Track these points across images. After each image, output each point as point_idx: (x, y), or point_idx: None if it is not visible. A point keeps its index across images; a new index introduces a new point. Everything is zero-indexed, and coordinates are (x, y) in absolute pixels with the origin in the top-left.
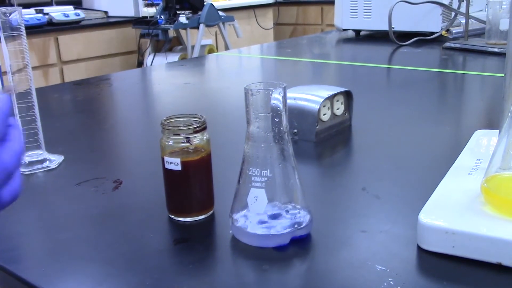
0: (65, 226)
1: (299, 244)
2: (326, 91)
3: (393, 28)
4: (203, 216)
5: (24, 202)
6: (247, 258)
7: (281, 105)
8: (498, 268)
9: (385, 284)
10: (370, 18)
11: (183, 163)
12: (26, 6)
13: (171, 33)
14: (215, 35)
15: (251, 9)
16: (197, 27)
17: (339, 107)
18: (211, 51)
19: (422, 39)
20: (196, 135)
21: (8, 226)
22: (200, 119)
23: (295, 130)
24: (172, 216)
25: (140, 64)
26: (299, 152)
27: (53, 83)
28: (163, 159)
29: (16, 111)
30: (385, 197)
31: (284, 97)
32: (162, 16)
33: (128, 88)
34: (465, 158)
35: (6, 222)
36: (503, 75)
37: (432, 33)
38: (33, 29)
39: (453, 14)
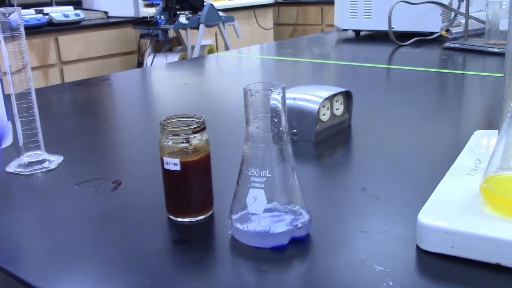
0: (65, 226)
1: (299, 244)
2: (326, 91)
3: (393, 28)
4: (202, 217)
5: (24, 202)
6: (247, 259)
7: (280, 106)
8: (498, 268)
9: (384, 284)
10: (370, 18)
11: (182, 164)
12: (26, 6)
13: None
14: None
15: (251, 9)
16: (197, 28)
17: (339, 107)
18: (211, 51)
19: (422, 39)
20: (195, 135)
21: (7, 226)
22: (199, 119)
23: (294, 131)
24: (171, 217)
25: (140, 64)
26: (298, 152)
27: (53, 83)
28: (162, 160)
29: (15, 111)
30: (385, 197)
31: (283, 98)
32: (162, 16)
33: (128, 88)
34: (464, 158)
35: (6, 223)
36: (502, 75)
37: (432, 33)
38: (33, 30)
39: (453, 14)
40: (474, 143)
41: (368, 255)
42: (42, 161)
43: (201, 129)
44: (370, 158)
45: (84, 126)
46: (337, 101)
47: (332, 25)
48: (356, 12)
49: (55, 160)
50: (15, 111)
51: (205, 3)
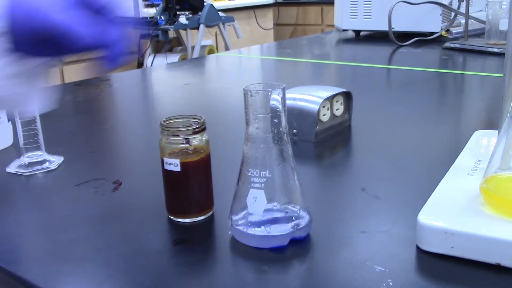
0: (65, 227)
1: (299, 244)
2: (326, 92)
3: (393, 28)
4: (202, 217)
5: (24, 203)
6: (247, 259)
7: (280, 106)
8: (497, 268)
9: (384, 284)
10: (370, 18)
11: (183, 164)
12: None
13: (171, 34)
14: (215, 36)
15: (251, 10)
16: (197, 28)
17: (339, 108)
18: (211, 51)
19: (422, 39)
20: (196, 136)
21: (8, 226)
22: (200, 120)
23: (294, 131)
24: (172, 217)
25: (140, 65)
26: (298, 153)
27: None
28: (162, 160)
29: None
30: (385, 197)
31: (283, 98)
32: (162, 16)
33: (128, 88)
34: (464, 159)
35: (6, 223)
36: (502, 75)
37: (432, 33)
38: None
39: (453, 14)
40: (474, 143)
41: (368, 256)
42: (42, 162)
43: (201, 129)
44: (370, 158)
45: (84, 126)
46: (337, 102)
47: (332, 25)
48: (356, 12)
49: (55, 161)
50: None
51: (205, 4)
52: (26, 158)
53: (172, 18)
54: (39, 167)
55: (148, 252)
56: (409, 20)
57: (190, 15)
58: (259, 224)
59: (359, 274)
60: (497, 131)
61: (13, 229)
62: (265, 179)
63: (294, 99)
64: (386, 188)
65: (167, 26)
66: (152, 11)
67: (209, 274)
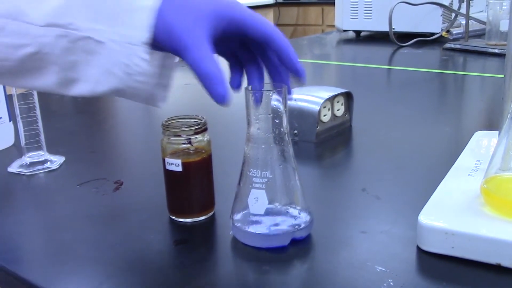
0: (66, 226)
1: (299, 244)
2: (327, 92)
3: (394, 29)
4: (203, 217)
5: (26, 202)
6: (248, 259)
7: (281, 107)
8: (498, 269)
9: (385, 285)
10: (371, 19)
11: (184, 164)
12: None
13: None
14: None
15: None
16: None
17: (340, 108)
18: None
19: (423, 40)
20: (197, 136)
21: (9, 226)
22: (201, 120)
23: (295, 131)
24: (173, 217)
25: None
26: (299, 153)
27: None
28: (164, 160)
29: (17, 112)
30: (385, 197)
31: (285, 99)
32: None
33: None
34: (465, 159)
35: (8, 223)
36: (503, 76)
37: (433, 34)
38: None
39: (453, 15)
40: (475, 144)
41: (368, 256)
42: (44, 162)
43: (202, 129)
44: (371, 158)
45: (85, 126)
46: (338, 102)
47: (333, 26)
48: (357, 13)
49: (56, 161)
50: (17, 111)
51: None
52: (27, 158)
53: None
54: (40, 167)
55: (149, 252)
56: (409, 20)
57: None
58: (260, 224)
59: (359, 274)
60: (497, 132)
61: (14, 228)
62: (266, 180)
63: (295, 100)
64: (386, 188)
65: None
66: None
67: (210, 274)
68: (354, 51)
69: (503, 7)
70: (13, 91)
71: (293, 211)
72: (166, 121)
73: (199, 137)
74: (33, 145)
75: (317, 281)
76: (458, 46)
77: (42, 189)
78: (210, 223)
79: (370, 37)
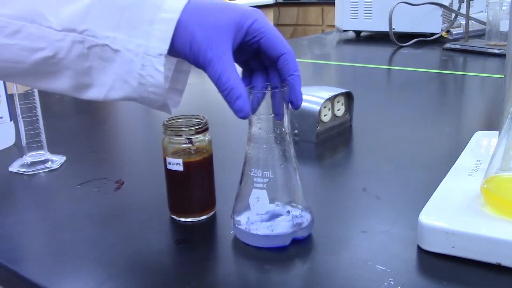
0: (67, 226)
1: (300, 244)
2: (327, 92)
3: (394, 29)
4: (204, 217)
5: (27, 202)
6: (249, 259)
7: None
8: (498, 268)
9: (385, 284)
10: (371, 19)
11: (185, 164)
12: None
13: None
14: None
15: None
16: None
17: (340, 108)
18: None
19: (422, 40)
20: (198, 136)
21: (10, 226)
22: (202, 120)
23: (296, 131)
24: (174, 217)
25: None
26: (299, 153)
27: None
28: (165, 160)
29: (18, 111)
30: (386, 197)
31: (286, 99)
32: None
33: None
34: (465, 159)
35: (9, 222)
36: (503, 76)
37: (432, 34)
38: None
39: (453, 15)
40: (475, 144)
41: (369, 255)
42: (45, 161)
43: (203, 129)
44: (371, 158)
45: (85, 126)
46: (338, 102)
47: (333, 26)
48: (357, 13)
49: (57, 160)
50: (18, 111)
51: None
52: (28, 158)
53: None
54: (41, 166)
55: (150, 252)
56: (409, 21)
57: None
58: (261, 224)
59: (360, 274)
60: (497, 132)
61: (15, 228)
62: (267, 179)
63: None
64: (387, 188)
65: None
66: None
67: (211, 274)
68: (354, 51)
69: (503, 8)
70: (14, 90)
71: (294, 211)
72: (167, 121)
73: (200, 136)
74: (34, 144)
75: (317, 280)
76: (458, 46)
77: (43, 189)
78: (211, 223)
79: (370, 37)
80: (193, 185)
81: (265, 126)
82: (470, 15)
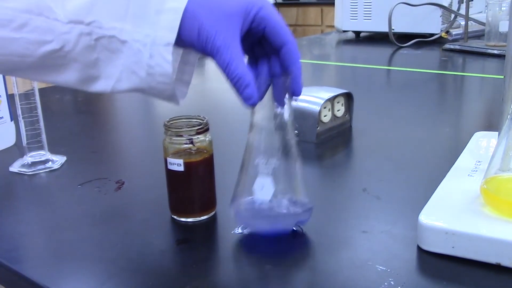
0: (68, 226)
1: (301, 244)
2: (327, 93)
3: (393, 29)
4: (205, 217)
5: (27, 202)
6: (249, 258)
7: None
8: (498, 268)
9: (385, 284)
10: (370, 19)
11: (186, 164)
12: None
13: None
14: None
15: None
16: None
17: (340, 109)
18: None
19: (422, 40)
20: (199, 136)
21: (11, 226)
22: (203, 120)
23: (296, 131)
24: (175, 217)
25: None
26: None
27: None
28: (166, 160)
29: (19, 112)
30: (386, 198)
31: (288, 87)
32: None
33: None
34: (464, 160)
35: (10, 222)
36: (502, 77)
37: (432, 34)
38: None
39: (452, 15)
40: (474, 145)
41: (369, 255)
42: (45, 161)
43: (204, 130)
44: (371, 159)
45: (86, 126)
46: (338, 102)
47: (332, 26)
48: (356, 13)
49: (58, 160)
50: (19, 111)
51: None
52: (29, 158)
53: None
54: (42, 166)
55: (151, 251)
56: (409, 21)
57: None
58: (265, 209)
59: (360, 274)
60: (497, 133)
61: (16, 228)
62: (271, 167)
63: (296, 100)
64: (387, 188)
65: None
66: None
67: (212, 274)
68: (353, 51)
69: (502, 8)
70: (15, 91)
71: (296, 196)
72: (168, 121)
73: (201, 137)
74: (35, 144)
75: (318, 280)
76: (457, 47)
77: (43, 189)
78: (212, 223)
79: (370, 38)
80: (193, 185)
81: (267, 114)
82: (469, 16)
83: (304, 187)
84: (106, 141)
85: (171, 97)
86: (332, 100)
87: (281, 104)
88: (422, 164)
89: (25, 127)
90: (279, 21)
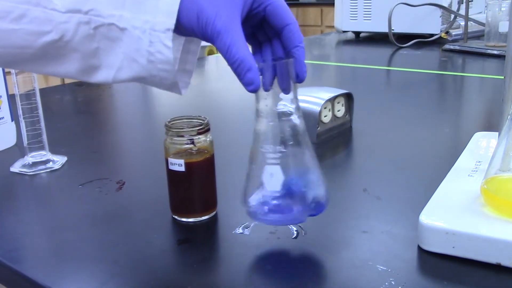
0: (69, 226)
1: (302, 244)
2: (327, 93)
3: (393, 30)
4: (206, 217)
5: (28, 202)
6: (250, 258)
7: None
8: (498, 268)
9: (386, 284)
10: (370, 20)
11: (187, 164)
12: None
13: None
14: None
15: None
16: None
17: (340, 109)
18: (211, 52)
19: (422, 41)
20: (200, 136)
21: (12, 226)
22: (204, 120)
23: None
24: (176, 217)
25: None
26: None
27: (53, 84)
28: (167, 160)
29: (20, 112)
30: (386, 198)
31: (292, 72)
32: None
33: (129, 89)
34: (465, 160)
35: (11, 222)
36: (502, 77)
37: (432, 35)
38: None
39: (452, 16)
40: (474, 145)
41: (370, 255)
42: (46, 161)
43: (205, 130)
44: (371, 159)
45: (86, 126)
46: (338, 103)
47: (332, 27)
48: (356, 14)
49: (59, 160)
50: (20, 111)
51: None
52: (30, 158)
53: None
54: (43, 166)
55: (152, 252)
56: (409, 21)
57: None
58: (277, 200)
59: (361, 274)
60: (497, 133)
61: (17, 228)
62: (280, 154)
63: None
64: (387, 188)
65: None
66: None
67: (213, 273)
68: (353, 52)
69: (502, 9)
70: (15, 91)
71: (309, 186)
72: (169, 122)
73: (202, 137)
74: (36, 145)
75: (319, 280)
76: (457, 47)
77: (44, 189)
78: (213, 223)
79: (370, 38)
80: (194, 185)
81: (273, 101)
82: (469, 16)
83: (318, 174)
84: (107, 141)
85: (173, 86)
86: (332, 100)
87: (287, 89)
88: (422, 164)
89: (26, 127)
90: (280, 1)
